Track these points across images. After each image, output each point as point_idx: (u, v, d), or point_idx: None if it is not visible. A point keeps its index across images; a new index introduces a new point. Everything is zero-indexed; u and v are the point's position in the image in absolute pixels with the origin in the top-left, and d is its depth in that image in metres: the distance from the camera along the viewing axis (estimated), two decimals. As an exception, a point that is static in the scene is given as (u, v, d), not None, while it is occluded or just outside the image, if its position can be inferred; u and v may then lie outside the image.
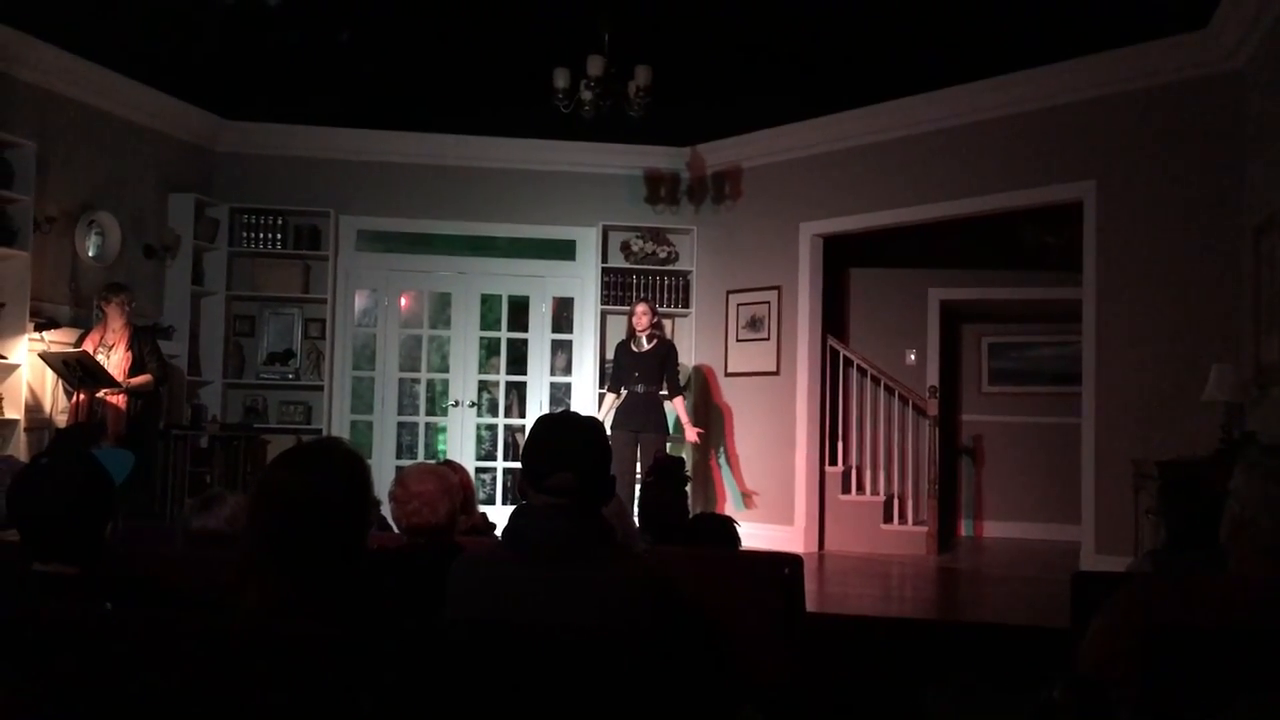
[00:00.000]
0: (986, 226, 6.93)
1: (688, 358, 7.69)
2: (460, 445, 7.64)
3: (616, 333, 7.28)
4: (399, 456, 7.63)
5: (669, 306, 7.67)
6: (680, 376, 6.95)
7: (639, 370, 6.58)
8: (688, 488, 3.25)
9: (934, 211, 6.70)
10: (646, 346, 6.65)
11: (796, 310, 7.30)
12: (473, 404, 7.71)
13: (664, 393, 6.69)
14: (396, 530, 2.82)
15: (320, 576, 1.62)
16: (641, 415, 6.48)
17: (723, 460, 7.61)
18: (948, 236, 7.62)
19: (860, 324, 8.26)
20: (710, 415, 7.66)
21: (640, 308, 6.68)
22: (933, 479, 7.17)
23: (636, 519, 3.27)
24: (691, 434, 6.76)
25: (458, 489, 2.80)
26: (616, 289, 7.63)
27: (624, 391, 6.63)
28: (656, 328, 6.70)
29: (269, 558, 1.62)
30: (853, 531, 7.23)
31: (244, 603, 1.60)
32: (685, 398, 7.03)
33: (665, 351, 6.68)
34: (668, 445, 6.70)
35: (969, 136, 6.52)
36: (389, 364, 7.69)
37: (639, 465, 6.40)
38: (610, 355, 7.09)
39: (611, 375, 6.87)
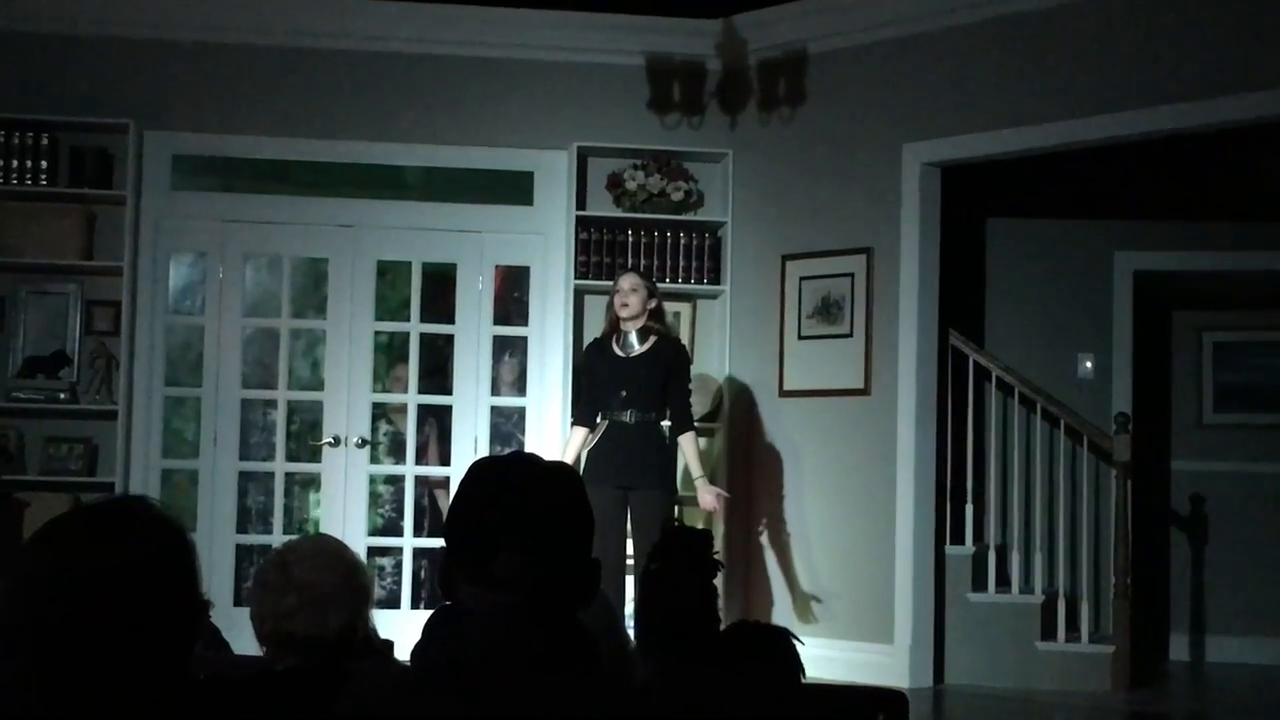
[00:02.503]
0: (1210, 152, 6.92)
1: (713, 365, 7.72)
2: (344, 511, 7.64)
3: (599, 323, 7.18)
4: (242, 529, 7.66)
5: (686, 281, 7.71)
6: (695, 398, 6.92)
7: (626, 386, 6.55)
8: (718, 579, 3.21)
9: (1122, 125, 6.67)
10: (638, 348, 6.62)
11: (898, 288, 7.32)
12: (364, 442, 7.69)
13: (667, 423, 6.68)
14: (258, 648, 2.90)
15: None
16: (633, 461, 6.47)
17: (765, 538, 7.55)
18: (1145, 168, 7.62)
19: (1003, 311, 8.29)
20: (753, 463, 7.66)
21: (627, 282, 6.64)
22: (1124, 566, 7.15)
23: (633, 630, 3.31)
24: (709, 496, 6.72)
25: (364, 591, 2.92)
26: (600, 252, 7.63)
27: (602, 422, 6.62)
28: (655, 316, 6.66)
29: (32, 692, 1.67)
30: (992, 653, 7.25)
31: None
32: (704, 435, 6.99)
33: (669, 356, 6.66)
34: (676, 509, 6.70)
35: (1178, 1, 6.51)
36: (225, 377, 7.68)
37: (631, 541, 6.42)
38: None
39: (582, 396, 6.88)
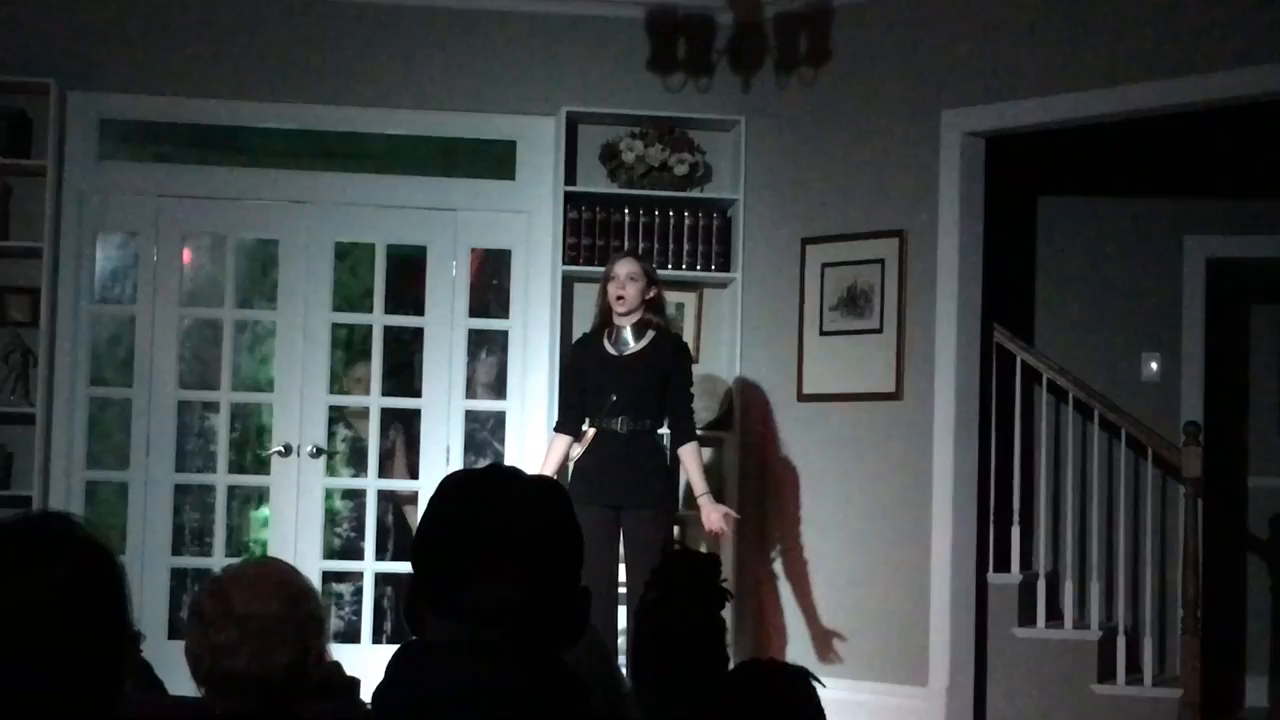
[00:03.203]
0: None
1: (721, 364, 7.82)
2: (295, 531, 7.67)
3: (591, 315, 7.15)
4: (178, 550, 7.71)
5: (691, 268, 7.77)
6: (699, 403, 6.95)
7: (618, 390, 6.56)
8: (725, 611, 3.25)
9: (1194, 90, 6.67)
10: (633, 345, 6.63)
11: (935, 277, 7.32)
12: (319, 451, 7.73)
13: (664, 432, 6.69)
14: (195, 688, 2.93)
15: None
16: (625, 477, 6.48)
17: (780, 564, 7.57)
18: (1221, 141, 7.68)
19: (1056, 303, 8.35)
20: (766, 477, 7.70)
21: (623, 268, 6.61)
22: (1193, 598, 7.10)
23: (626, 669, 3.49)
24: (715, 515, 6.66)
25: (316, 622, 2.97)
26: (593, 234, 7.67)
27: (589, 431, 6.63)
28: (653, 308, 6.67)
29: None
30: (1041, 697, 7.27)
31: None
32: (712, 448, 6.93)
33: (668, 355, 6.67)
34: (677, 531, 6.77)
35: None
36: (159, 375, 7.69)
37: (625, 567, 6.47)
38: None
39: (567, 400, 6.87)
